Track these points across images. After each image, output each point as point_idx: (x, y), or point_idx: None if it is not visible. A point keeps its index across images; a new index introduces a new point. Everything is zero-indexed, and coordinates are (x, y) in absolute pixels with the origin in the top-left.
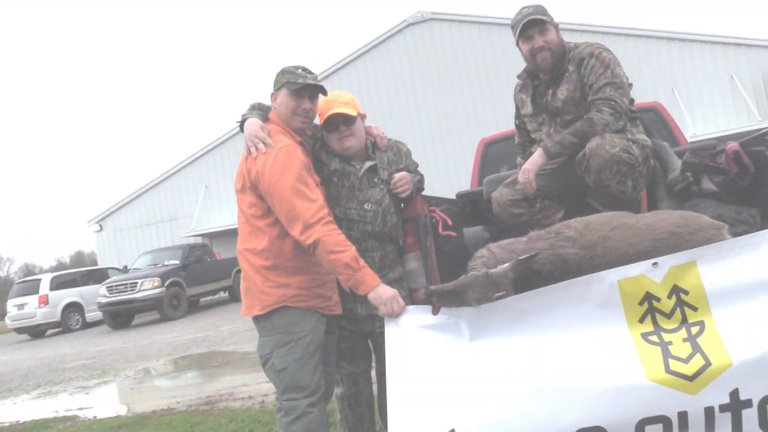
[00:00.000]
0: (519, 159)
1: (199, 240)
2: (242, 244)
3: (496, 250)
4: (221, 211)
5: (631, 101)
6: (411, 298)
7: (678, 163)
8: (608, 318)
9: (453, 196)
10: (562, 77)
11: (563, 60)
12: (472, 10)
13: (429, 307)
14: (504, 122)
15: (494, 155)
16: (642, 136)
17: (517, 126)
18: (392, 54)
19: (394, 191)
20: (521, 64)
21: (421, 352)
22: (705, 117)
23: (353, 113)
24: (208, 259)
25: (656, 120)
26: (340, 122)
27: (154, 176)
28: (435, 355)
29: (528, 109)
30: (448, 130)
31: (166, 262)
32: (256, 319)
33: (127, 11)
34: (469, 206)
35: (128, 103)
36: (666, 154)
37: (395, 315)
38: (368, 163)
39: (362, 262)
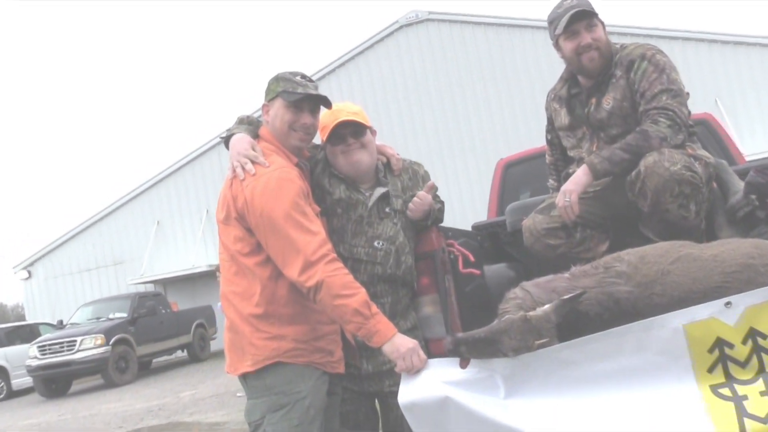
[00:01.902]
0: (551, 181)
1: (151, 288)
2: (227, 287)
3: (532, 290)
4: (177, 252)
5: (689, 112)
6: (427, 350)
7: (740, 185)
8: (672, 369)
9: (460, 227)
10: (608, 84)
11: (610, 63)
12: (475, 9)
13: (455, 360)
14: (516, 140)
15: (515, 179)
16: (704, 152)
17: (548, 141)
18: (382, 60)
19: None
20: (535, 71)
21: (448, 413)
22: (754, 132)
23: (364, 122)
24: (163, 311)
25: (708, 134)
26: (349, 134)
27: (96, 211)
28: (464, 416)
29: (564, 121)
30: (449, 148)
31: (110, 316)
32: (245, 377)
33: (63, 25)
34: (489, 240)
35: (64, 121)
36: (725, 174)
37: (415, 371)
38: (379, 190)
39: (375, 308)
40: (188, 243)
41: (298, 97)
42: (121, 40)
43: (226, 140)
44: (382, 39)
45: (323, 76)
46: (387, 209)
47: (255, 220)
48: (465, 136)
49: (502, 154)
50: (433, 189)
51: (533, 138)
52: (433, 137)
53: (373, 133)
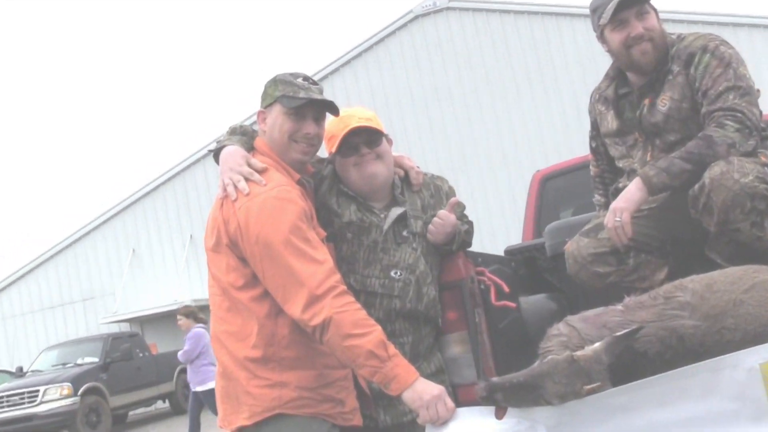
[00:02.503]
0: (597, 197)
1: (126, 328)
2: (218, 326)
3: (579, 325)
4: (156, 285)
5: (761, 113)
6: (455, 397)
7: None
8: (747, 417)
9: (491, 251)
10: (663, 81)
11: (665, 57)
12: None
13: (489, 409)
14: (554, 148)
15: (555, 195)
16: None
17: (593, 150)
18: (394, 57)
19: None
20: (576, 67)
21: None
22: None
23: (379, 129)
24: (140, 355)
25: None
26: (362, 142)
27: (60, 238)
28: None
29: (612, 126)
30: (475, 159)
31: (79, 361)
32: None
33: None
34: (525, 267)
35: (58, 121)
36: None
37: (441, 422)
38: (396, 211)
39: (392, 349)
40: (169, 274)
41: (300, 102)
42: (99, 40)
43: (215, 153)
44: (393, 32)
45: (325, 77)
46: (405, 232)
47: (250, 247)
48: (493, 145)
49: (539, 166)
50: (459, 207)
51: (574, 146)
52: (456, 147)
53: (389, 141)
